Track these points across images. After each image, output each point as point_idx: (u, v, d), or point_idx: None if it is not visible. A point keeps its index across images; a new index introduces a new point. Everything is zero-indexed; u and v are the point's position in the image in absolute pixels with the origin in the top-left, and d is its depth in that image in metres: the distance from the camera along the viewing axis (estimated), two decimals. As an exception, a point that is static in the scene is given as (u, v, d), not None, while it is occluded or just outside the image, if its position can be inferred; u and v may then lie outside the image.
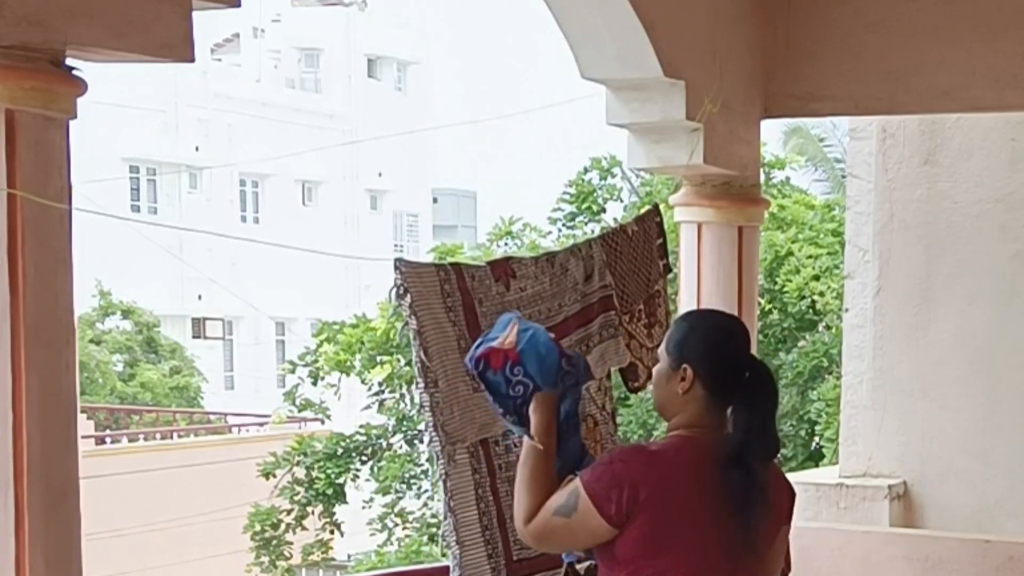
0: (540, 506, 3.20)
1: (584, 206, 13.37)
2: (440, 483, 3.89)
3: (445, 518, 3.93)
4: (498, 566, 3.93)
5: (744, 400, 3.20)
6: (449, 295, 3.88)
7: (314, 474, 13.96)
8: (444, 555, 3.97)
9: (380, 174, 34.54)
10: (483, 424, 3.86)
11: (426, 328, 3.82)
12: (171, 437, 21.82)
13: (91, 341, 24.52)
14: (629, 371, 4.51)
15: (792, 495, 3.42)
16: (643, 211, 4.83)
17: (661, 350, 3.31)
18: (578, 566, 3.74)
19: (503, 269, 4.07)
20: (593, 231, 12.33)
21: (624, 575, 3.19)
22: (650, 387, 3.48)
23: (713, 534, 3.18)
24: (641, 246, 4.53)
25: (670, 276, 4.89)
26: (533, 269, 4.14)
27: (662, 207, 5.82)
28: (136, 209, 30.11)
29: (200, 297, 29.87)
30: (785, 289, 11.91)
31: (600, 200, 13.49)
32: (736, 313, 5.38)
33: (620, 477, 3.13)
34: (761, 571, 3.33)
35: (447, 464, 3.85)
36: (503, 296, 4.03)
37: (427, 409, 3.81)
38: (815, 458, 11.58)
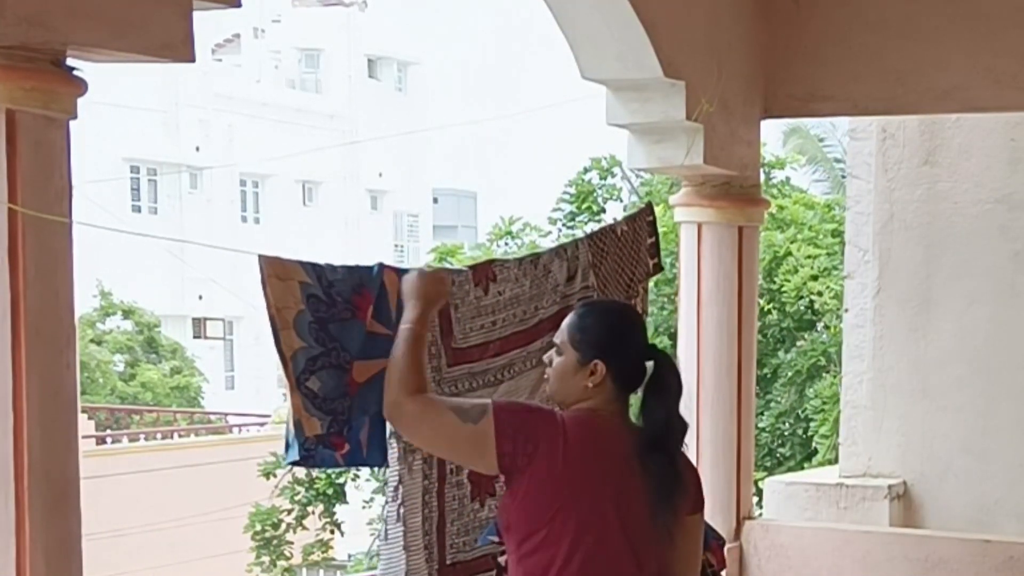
0: (421, 385, 3.29)
1: (584, 206, 13.37)
2: (392, 489, 3.88)
3: (384, 524, 3.92)
4: (432, 571, 3.94)
5: (656, 388, 3.26)
6: None
7: (314, 474, 13.96)
8: (373, 563, 3.96)
9: (380, 174, 34.53)
10: None
11: None
12: (172, 437, 21.81)
13: (92, 341, 24.51)
14: None
15: (699, 480, 3.43)
16: (635, 211, 4.82)
17: (563, 343, 3.30)
18: (500, 559, 3.74)
19: (484, 272, 4.06)
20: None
21: (514, 546, 3.22)
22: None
23: (631, 515, 3.20)
24: (629, 246, 4.51)
25: (669, 276, 4.88)
26: (515, 272, 4.13)
27: (662, 207, 5.80)
28: (137, 209, 30.10)
29: (200, 297, 29.86)
30: (783, 289, 11.92)
31: (600, 200, 13.49)
32: (736, 313, 5.41)
33: (529, 427, 3.18)
34: (675, 559, 3.32)
35: (405, 472, 3.85)
36: (480, 300, 4.03)
37: None
38: (812, 456, 11.60)
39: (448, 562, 3.99)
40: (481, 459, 3.23)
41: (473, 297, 4.01)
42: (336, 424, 3.57)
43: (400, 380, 3.29)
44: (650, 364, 3.29)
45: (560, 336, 3.34)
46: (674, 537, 3.27)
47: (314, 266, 3.52)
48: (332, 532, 15.20)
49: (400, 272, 3.79)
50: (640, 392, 3.30)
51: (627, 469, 3.21)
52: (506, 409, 3.23)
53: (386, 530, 3.91)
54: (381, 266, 3.75)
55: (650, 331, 4.73)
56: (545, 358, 3.40)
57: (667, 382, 3.28)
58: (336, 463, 3.80)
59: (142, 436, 21.38)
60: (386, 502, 3.90)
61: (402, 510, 3.88)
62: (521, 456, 3.16)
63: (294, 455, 3.61)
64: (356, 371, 3.61)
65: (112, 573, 15.21)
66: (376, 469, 13.80)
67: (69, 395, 3.05)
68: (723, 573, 4.19)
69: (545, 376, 3.41)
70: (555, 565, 3.19)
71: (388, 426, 3.72)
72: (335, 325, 3.56)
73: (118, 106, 26.32)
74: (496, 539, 3.56)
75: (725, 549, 5.35)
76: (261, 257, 3.46)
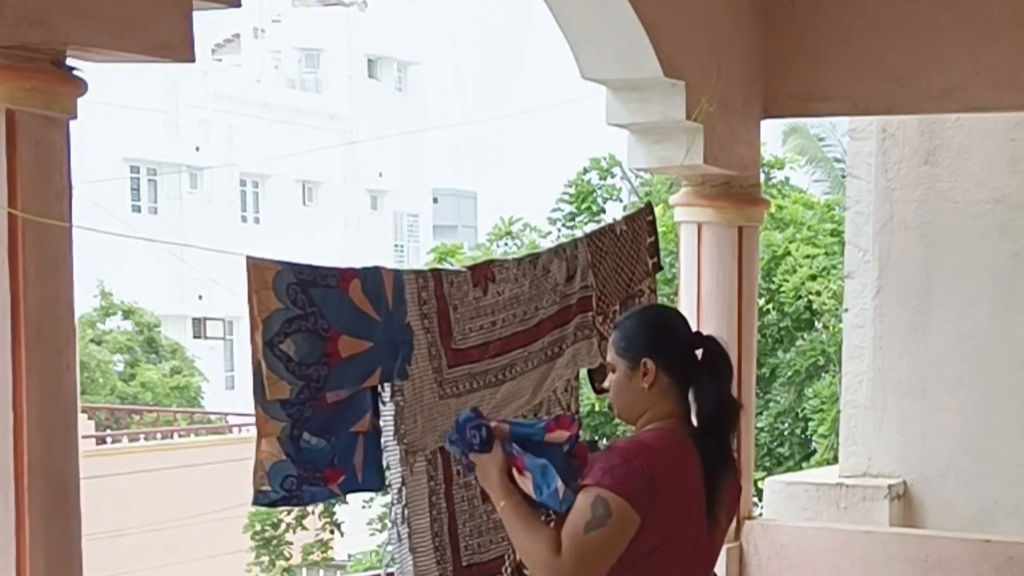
0: (555, 538, 3.10)
1: (584, 206, 13.39)
2: (396, 491, 3.87)
3: (394, 525, 3.91)
4: (446, 572, 3.93)
5: (707, 374, 3.24)
6: (425, 302, 3.88)
7: (314, 474, 13.94)
8: (386, 564, 3.94)
9: (380, 174, 34.55)
10: (444, 432, 3.87)
11: None
12: (171, 437, 21.80)
13: (92, 341, 24.51)
14: (597, 372, 4.48)
15: (737, 471, 3.42)
16: (635, 210, 4.82)
17: (612, 358, 3.29)
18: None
19: (483, 273, 4.06)
20: (593, 231, 12.33)
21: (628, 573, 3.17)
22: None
23: (701, 522, 3.23)
24: (628, 246, 4.52)
25: (669, 276, 4.87)
26: (514, 272, 4.13)
27: (662, 207, 5.78)
28: (137, 209, 30.11)
29: (200, 297, 29.86)
30: (782, 289, 11.93)
31: (600, 200, 13.51)
32: (736, 313, 5.40)
33: (639, 471, 3.10)
34: (720, 543, 3.36)
35: (407, 473, 3.84)
36: (479, 301, 4.03)
37: (390, 417, 3.80)
38: (810, 456, 11.61)
39: (464, 564, 3.98)
40: (631, 533, 3.12)
41: (472, 297, 4.01)
42: (308, 391, 3.54)
43: (538, 548, 3.11)
44: (699, 352, 3.27)
45: (609, 355, 3.32)
46: (725, 525, 3.33)
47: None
48: (332, 532, 15.22)
49: (396, 272, 3.80)
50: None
51: (700, 474, 3.21)
52: (615, 478, 3.09)
53: (397, 532, 3.90)
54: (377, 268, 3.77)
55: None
56: (607, 384, 3.35)
57: (716, 364, 3.26)
58: (328, 496, 3.74)
59: (142, 436, 21.38)
60: (392, 504, 3.89)
61: (406, 511, 3.87)
62: (651, 496, 3.10)
63: (270, 497, 3.54)
64: (342, 345, 3.60)
65: (112, 573, 15.21)
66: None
67: (69, 395, 3.05)
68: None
69: (608, 402, 3.37)
70: None
71: (383, 444, 3.73)
72: (317, 291, 3.55)
73: (118, 106, 26.31)
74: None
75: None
76: (249, 258, 3.47)
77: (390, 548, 3.92)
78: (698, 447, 3.20)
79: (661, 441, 3.19)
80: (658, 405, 3.23)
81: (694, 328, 3.40)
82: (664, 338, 3.27)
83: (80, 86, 3.04)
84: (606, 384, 3.35)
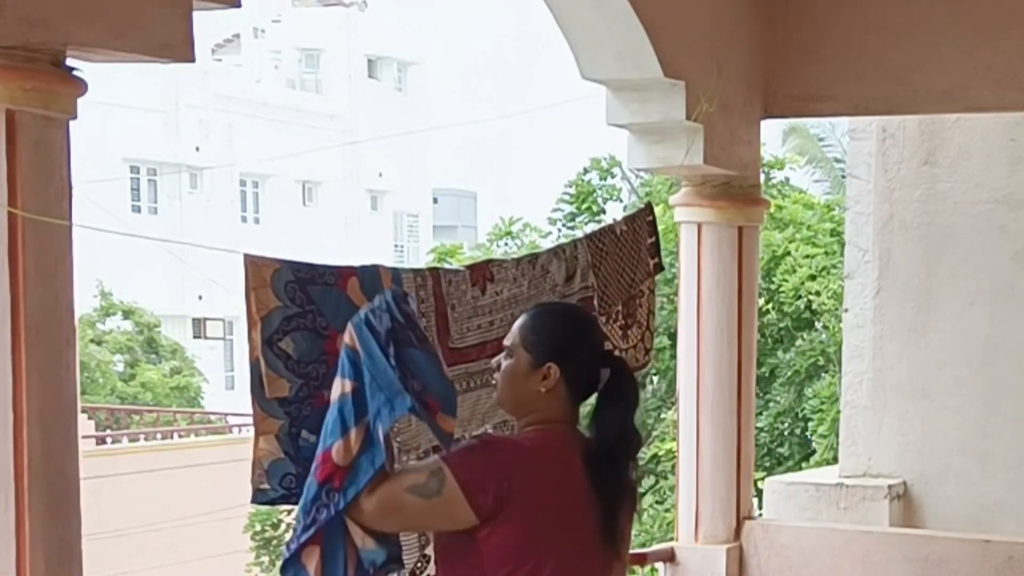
0: (377, 481, 2.99)
1: (584, 206, 13.40)
2: None
3: None
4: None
5: (612, 396, 3.11)
6: (423, 301, 3.87)
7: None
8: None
9: (380, 174, 34.57)
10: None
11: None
12: (172, 437, 21.81)
13: (92, 341, 24.53)
14: None
15: (635, 488, 3.29)
16: (634, 210, 4.81)
17: (515, 344, 3.14)
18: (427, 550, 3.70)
19: (481, 273, 4.05)
20: (593, 231, 12.35)
21: None
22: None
23: (587, 531, 3.09)
24: (629, 246, 4.51)
25: (669, 276, 4.86)
26: (513, 272, 4.12)
27: (662, 207, 5.76)
28: (137, 210, 30.13)
29: (200, 297, 29.87)
30: (782, 289, 11.94)
31: (600, 200, 13.52)
32: (736, 313, 5.40)
33: (494, 468, 2.98)
34: (622, 567, 3.26)
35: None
36: (477, 300, 4.01)
37: None
38: (810, 456, 11.62)
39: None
40: (456, 522, 2.99)
41: (470, 297, 4.01)
42: (307, 389, 3.54)
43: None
44: (605, 372, 3.14)
45: (511, 338, 3.17)
46: (620, 551, 3.21)
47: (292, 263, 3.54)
48: (332, 532, 15.16)
49: (394, 271, 3.80)
50: (594, 400, 3.15)
51: (583, 486, 3.08)
52: (464, 463, 2.97)
53: None
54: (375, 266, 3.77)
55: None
56: (493, 362, 3.24)
57: (624, 390, 3.13)
58: None
59: (142, 436, 21.38)
60: None
61: None
62: (499, 498, 2.97)
63: (269, 495, 3.51)
64: (339, 343, 3.59)
65: (112, 573, 15.21)
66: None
67: (69, 395, 3.05)
68: None
69: (493, 381, 3.24)
70: None
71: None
72: (316, 289, 3.54)
73: (118, 106, 26.34)
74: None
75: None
76: (247, 256, 3.47)
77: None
78: (591, 471, 3.06)
79: (539, 444, 3.07)
80: (547, 409, 3.10)
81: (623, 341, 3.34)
82: (576, 347, 3.14)
83: (80, 86, 3.04)
84: (493, 363, 3.21)
